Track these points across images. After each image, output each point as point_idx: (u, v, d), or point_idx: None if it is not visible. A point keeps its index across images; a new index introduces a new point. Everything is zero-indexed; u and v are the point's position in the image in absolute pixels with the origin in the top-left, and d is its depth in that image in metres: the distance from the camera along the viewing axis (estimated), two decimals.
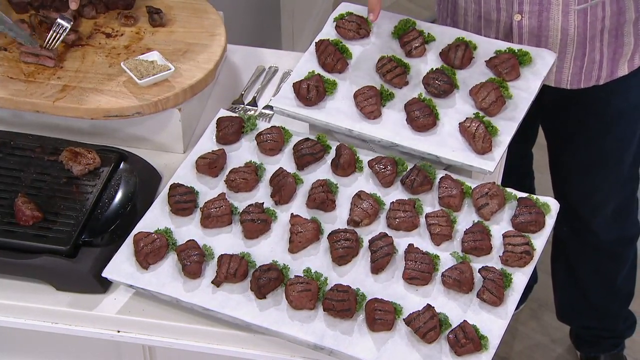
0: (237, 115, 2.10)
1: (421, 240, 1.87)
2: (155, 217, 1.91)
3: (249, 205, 1.90)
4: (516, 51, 2.10)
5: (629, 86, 2.28)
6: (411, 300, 1.77)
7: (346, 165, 1.98)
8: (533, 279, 3.09)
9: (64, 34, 2.13)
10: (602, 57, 2.22)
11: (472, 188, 1.94)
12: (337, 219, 1.91)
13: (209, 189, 1.97)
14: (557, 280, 2.86)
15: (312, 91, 2.04)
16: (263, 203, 1.91)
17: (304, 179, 1.97)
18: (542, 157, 2.74)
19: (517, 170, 2.62)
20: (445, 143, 1.98)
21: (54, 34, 2.12)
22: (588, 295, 2.76)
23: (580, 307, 2.82)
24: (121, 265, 1.83)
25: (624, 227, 2.60)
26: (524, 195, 1.93)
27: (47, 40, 2.13)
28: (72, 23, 2.14)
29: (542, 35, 2.18)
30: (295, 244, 1.85)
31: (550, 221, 1.90)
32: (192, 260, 1.80)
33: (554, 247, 2.80)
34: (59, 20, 2.14)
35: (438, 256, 1.83)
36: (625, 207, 2.57)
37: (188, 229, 1.90)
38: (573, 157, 2.48)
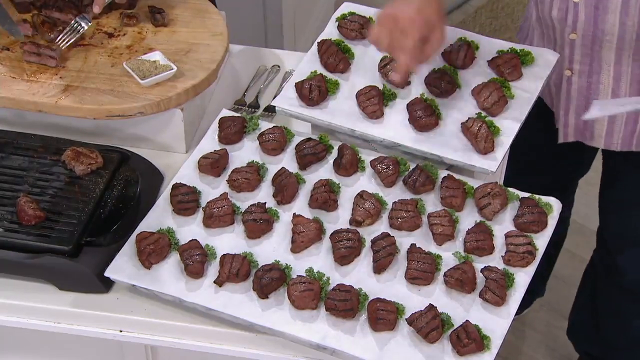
0: (239, 115, 2.10)
1: (423, 240, 1.87)
2: (158, 217, 1.91)
3: (251, 205, 1.90)
4: (518, 51, 2.10)
5: None
6: (413, 300, 1.77)
7: (348, 165, 1.98)
8: (539, 293, 3.09)
9: (79, 34, 2.13)
10: None
11: (475, 188, 1.94)
12: (339, 218, 1.91)
13: (211, 189, 1.97)
14: (577, 303, 2.84)
15: (315, 91, 2.04)
16: (265, 203, 1.91)
17: (306, 179, 1.97)
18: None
19: (551, 187, 2.60)
20: (447, 143, 1.98)
21: (69, 31, 2.13)
22: (601, 328, 2.73)
23: (590, 335, 2.79)
24: (123, 265, 1.83)
25: None
26: (526, 195, 1.93)
27: (61, 37, 2.13)
28: (89, 25, 2.15)
29: (590, 96, 2.18)
30: (298, 244, 1.85)
31: (552, 221, 1.90)
32: (195, 260, 1.80)
33: (585, 270, 2.78)
34: (78, 19, 2.15)
35: (440, 256, 1.83)
36: None
37: (190, 229, 1.90)
38: (617, 193, 2.44)
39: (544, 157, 2.59)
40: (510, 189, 1.94)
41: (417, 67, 1.92)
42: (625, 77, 2.13)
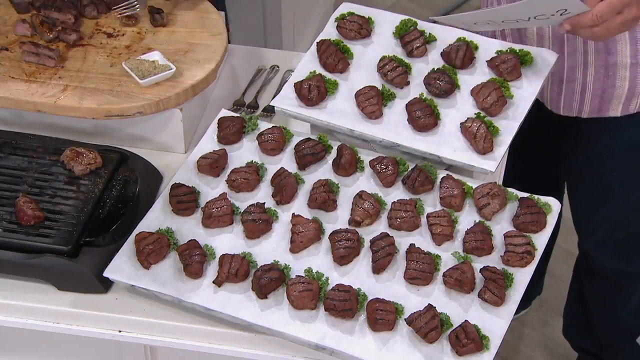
0: (238, 115, 2.10)
1: (422, 240, 1.87)
2: (157, 217, 1.91)
3: (250, 205, 1.90)
4: (517, 51, 2.10)
5: (618, 127, 2.24)
6: (412, 300, 1.77)
7: (347, 165, 1.98)
8: (537, 290, 3.09)
9: (135, 11, 2.17)
10: (585, 91, 2.19)
11: (474, 188, 1.94)
12: (338, 218, 1.91)
13: (210, 189, 1.97)
14: (569, 299, 2.85)
15: (314, 91, 2.04)
16: (264, 203, 1.91)
17: (305, 179, 1.97)
18: None
19: (547, 182, 2.60)
20: (446, 143, 1.98)
21: (124, 8, 2.16)
22: (592, 323, 2.73)
23: (583, 331, 2.80)
24: (122, 265, 1.83)
25: (632, 261, 2.53)
26: (525, 195, 1.93)
27: (118, 7, 2.19)
28: (139, 7, 2.20)
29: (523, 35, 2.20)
30: (297, 244, 1.85)
31: (551, 221, 1.90)
32: (194, 260, 1.80)
33: (574, 266, 2.79)
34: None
35: (439, 256, 1.83)
36: (636, 242, 2.50)
37: (189, 229, 1.90)
38: (576, 182, 2.47)
39: (543, 155, 2.60)
40: (510, 189, 1.94)
41: None
42: (548, 34, 2.14)
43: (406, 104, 2.03)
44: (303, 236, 1.85)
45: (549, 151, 2.58)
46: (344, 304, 1.73)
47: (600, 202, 2.42)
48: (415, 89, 2.08)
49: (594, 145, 2.31)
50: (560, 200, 2.80)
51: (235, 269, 1.79)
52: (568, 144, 2.39)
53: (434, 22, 2.12)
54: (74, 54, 2.16)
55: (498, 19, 1.94)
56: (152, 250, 1.82)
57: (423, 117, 1.99)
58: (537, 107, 2.30)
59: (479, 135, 1.95)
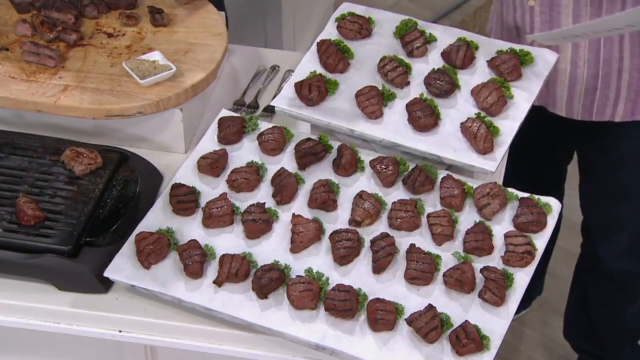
0: (238, 115, 2.10)
1: (423, 240, 1.87)
2: (157, 217, 1.91)
3: (250, 205, 1.90)
4: (517, 51, 2.10)
5: None
6: (413, 300, 1.77)
7: (348, 165, 1.98)
8: (537, 291, 3.09)
9: None
10: (619, 96, 2.21)
11: (474, 188, 1.94)
12: (338, 218, 1.91)
13: (210, 189, 1.97)
14: (570, 300, 2.85)
15: (314, 91, 2.04)
16: (265, 203, 1.91)
17: (305, 179, 1.97)
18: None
19: (548, 184, 2.61)
20: (446, 143, 1.98)
21: None
22: (594, 323, 2.73)
23: (585, 332, 2.79)
24: (123, 265, 1.83)
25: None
26: (526, 195, 1.93)
27: None
28: None
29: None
30: (297, 244, 1.85)
31: (551, 221, 1.90)
32: (194, 260, 1.80)
33: (575, 267, 2.79)
34: None
35: (439, 256, 1.83)
36: None
37: (190, 229, 1.90)
38: (594, 185, 2.47)
39: (543, 155, 2.60)
40: (510, 189, 1.94)
41: None
42: (584, 43, 2.15)
43: (406, 104, 2.03)
44: (303, 236, 1.85)
45: (550, 152, 2.59)
46: (344, 304, 1.73)
47: (620, 204, 2.43)
48: (416, 89, 2.08)
49: (623, 147, 2.32)
50: (561, 200, 2.81)
51: (235, 269, 1.79)
52: (590, 148, 2.39)
53: (532, 41, 2.13)
54: (74, 54, 2.16)
55: (600, 29, 1.94)
56: (152, 250, 1.82)
57: (423, 117, 1.99)
58: (541, 109, 2.31)
59: (479, 135, 1.95)
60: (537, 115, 2.25)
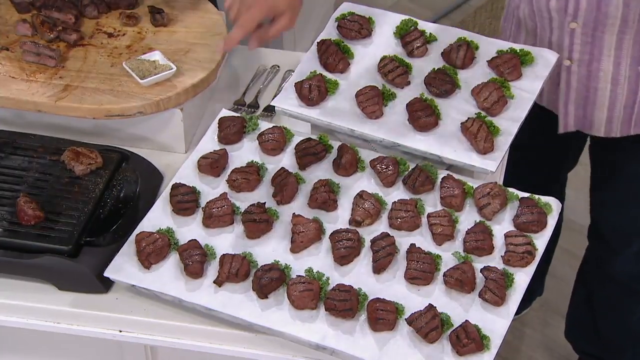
0: (238, 115, 2.10)
1: (423, 240, 1.87)
2: (157, 217, 1.91)
3: (250, 205, 1.90)
4: (518, 51, 2.10)
5: None
6: (413, 300, 1.77)
7: (348, 165, 1.98)
8: (538, 291, 3.09)
9: None
10: None
11: (474, 188, 1.94)
12: (338, 218, 1.91)
13: (210, 189, 1.97)
14: (573, 301, 2.83)
15: (314, 91, 2.04)
16: (265, 203, 1.91)
17: (305, 179, 1.97)
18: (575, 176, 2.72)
19: (548, 184, 2.60)
20: (447, 143, 1.97)
21: None
22: (599, 326, 2.72)
23: (588, 334, 2.78)
24: (123, 265, 1.83)
25: None
26: (526, 195, 1.93)
27: None
28: None
29: (590, 84, 2.19)
30: (297, 244, 1.85)
31: (552, 221, 1.90)
32: (194, 260, 1.80)
33: (579, 268, 2.78)
34: None
35: (440, 256, 1.83)
36: None
37: (190, 229, 1.90)
38: (613, 192, 2.46)
39: (543, 156, 2.60)
40: (510, 189, 1.94)
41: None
42: (625, 60, 2.13)
43: (407, 104, 2.03)
44: (303, 236, 1.85)
45: (550, 152, 2.58)
46: (344, 303, 1.73)
47: (636, 210, 2.42)
48: (416, 88, 2.08)
49: None
50: (561, 200, 2.81)
51: (235, 269, 1.79)
52: (610, 156, 2.37)
53: None
54: (75, 53, 2.16)
55: None
56: (152, 250, 1.82)
57: (423, 117, 1.99)
58: (542, 110, 2.30)
59: (479, 135, 1.95)
60: (548, 124, 2.24)
